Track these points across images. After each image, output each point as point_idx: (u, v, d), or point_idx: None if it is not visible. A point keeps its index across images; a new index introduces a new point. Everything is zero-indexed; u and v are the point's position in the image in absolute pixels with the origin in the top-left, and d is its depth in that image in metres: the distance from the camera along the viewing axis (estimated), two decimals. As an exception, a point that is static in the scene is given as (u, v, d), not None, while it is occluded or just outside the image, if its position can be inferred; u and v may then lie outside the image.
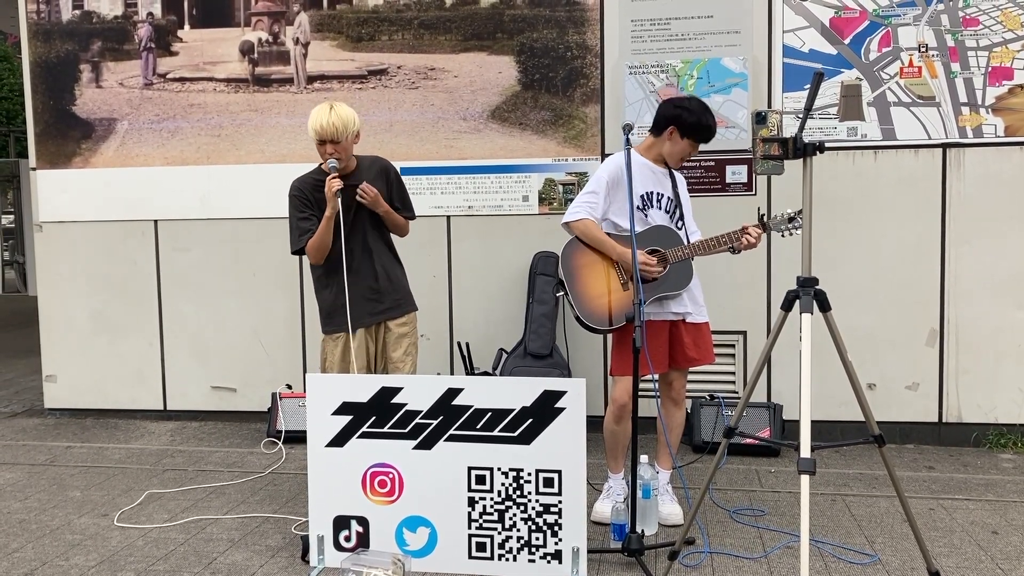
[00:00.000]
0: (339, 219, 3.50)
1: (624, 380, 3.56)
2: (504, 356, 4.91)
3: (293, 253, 3.67)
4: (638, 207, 3.55)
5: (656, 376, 3.60)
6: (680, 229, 3.62)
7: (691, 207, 3.75)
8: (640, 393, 3.29)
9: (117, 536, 3.62)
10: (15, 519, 3.84)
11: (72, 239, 5.51)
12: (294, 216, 3.63)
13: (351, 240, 3.56)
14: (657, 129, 3.62)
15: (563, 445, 2.99)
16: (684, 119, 3.52)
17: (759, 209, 3.48)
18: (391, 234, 3.74)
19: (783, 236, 3.49)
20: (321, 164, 3.63)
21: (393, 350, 3.66)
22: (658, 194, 3.60)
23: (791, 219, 3.41)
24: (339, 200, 3.45)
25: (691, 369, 3.71)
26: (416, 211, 3.83)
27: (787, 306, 2.91)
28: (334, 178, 3.45)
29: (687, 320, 3.62)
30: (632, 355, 3.32)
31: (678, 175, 3.74)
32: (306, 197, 3.61)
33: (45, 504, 4.03)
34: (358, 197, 3.49)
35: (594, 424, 3.61)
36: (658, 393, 3.66)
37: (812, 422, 2.75)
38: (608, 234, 3.54)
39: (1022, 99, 4.57)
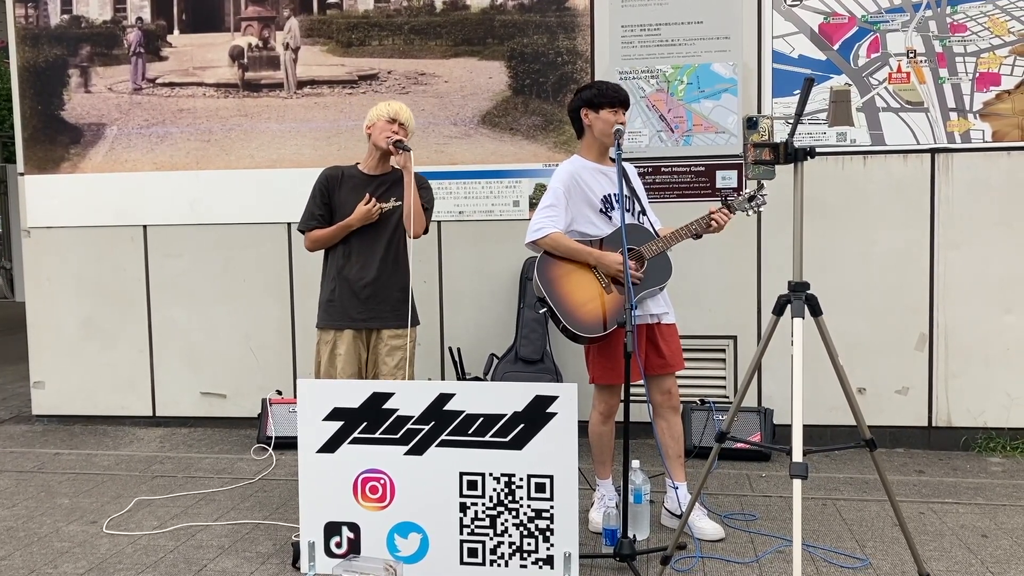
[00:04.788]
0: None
1: (614, 388, 3.57)
2: (495, 361, 4.91)
3: (299, 230, 3.74)
4: (600, 210, 3.55)
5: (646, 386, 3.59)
6: (643, 224, 3.60)
7: (645, 196, 3.73)
8: (632, 398, 3.29)
9: (106, 543, 3.59)
10: (3, 527, 3.81)
11: (60, 245, 5.48)
12: (311, 201, 3.71)
13: (375, 238, 3.62)
14: (578, 128, 3.64)
15: (555, 450, 2.98)
16: (583, 97, 3.57)
17: (714, 185, 3.52)
18: (405, 242, 3.70)
19: (748, 215, 3.51)
20: (357, 164, 3.72)
21: (384, 362, 3.64)
22: (617, 194, 3.56)
23: (751, 197, 3.43)
24: (371, 216, 3.59)
25: (678, 373, 3.69)
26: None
27: (779, 311, 2.92)
28: (376, 208, 3.57)
29: (662, 321, 3.60)
30: (619, 360, 3.32)
31: (628, 166, 3.70)
32: (327, 190, 3.67)
33: (33, 511, 4.00)
34: (396, 144, 3.53)
35: (585, 429, 3.60)
36: (648, 399, 3.64)
37: (803, 426, 2.76)
38: (586, 243, 3.54)
39: (1009, 105, 4.60)
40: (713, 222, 3.46)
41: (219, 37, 5.28)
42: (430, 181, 3.84)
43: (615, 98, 3.52)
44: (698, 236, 3.52)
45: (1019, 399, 4.68)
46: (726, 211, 3.47)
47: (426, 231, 3.73)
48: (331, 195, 3.66)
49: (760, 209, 3.46)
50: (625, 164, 3.68)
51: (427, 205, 3.69)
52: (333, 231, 3.62)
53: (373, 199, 3.57)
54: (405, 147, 3.53)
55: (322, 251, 3.74)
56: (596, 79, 4.81)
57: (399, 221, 3.62)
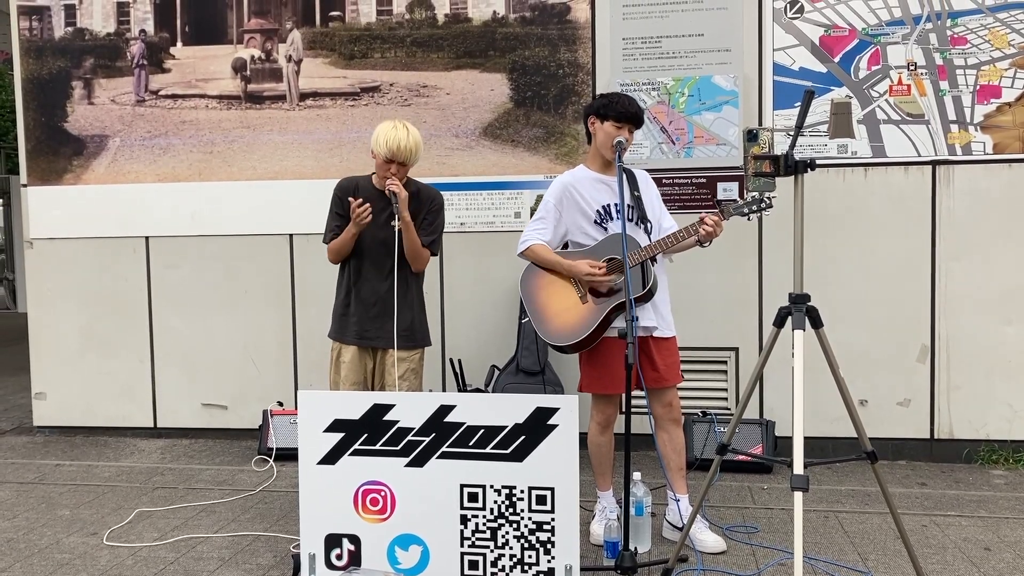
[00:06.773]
0: (385, 235, 3.57)
1: (609, 398, 3.56)
2: (496, 373, 4.90)
3: (324, 242, 3.74)
4: (595, 222, 3.55)
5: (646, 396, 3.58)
6: (649, 232, 3.54)
7: (659, 202, 3.68)
8: (633, 409, 3.29)
9: (106, 555, 3.59)
10: (3, 538, 3.80)
11: (63, 256, 5.49)
12: (329, 214, 3.71)
13: (385, 257, 3.61)
14: (587, 135, 3.66)
15: (556, 462, 2.97)
16: (594, 104, 3.60)
17: (715, 197, 3.49)
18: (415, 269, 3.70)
19: (748, 219, 3.45)
20: (372, 175, 3.69)
21: (389, 373, 3.66)
22: (616, 204, 3.55)
23: (756, 200, 3.25)
24: (366, 222, 3.51)
25: (679, 385, 3.67)
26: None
27: (779, 323, 2.92)
28: (366, 210, 3.48)
29: (655, 335, 3.57)
30: (607, 369, 3.35)
31: (638, 172, 3.68)
32: (342, 201, 3.65)
33: (34, 523, 3.99)
34: (389, 186, 3.49)
35: (586, 440, 3.60)
36: (649, 411, 3.63)
37: (804, 438, 2.75)
38: (572, 253, 3.55)
39: (1010, 117, 4.61)
40: (704, 227, 3.36)
41: (222, 49, 5.31)
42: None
43: (623, 113, 3.50)
44: (702, 243, 3.45)
45: (1021, 411, 4.66)
46: (718, 216, 3.37)
47: (435, 254, 3.73)
48: (346, 206, 3.65)
49: (763, 212, 3.29)
50: (636, 171, 3.68)
51: (432, 236, 3.68)
52: (343, 238, 3.61)
53: (366, 204, 3.50)
54: (396, 208, 3.48)
55: (329, 263, 3.76)
56: (598, 91, 4.82)
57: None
